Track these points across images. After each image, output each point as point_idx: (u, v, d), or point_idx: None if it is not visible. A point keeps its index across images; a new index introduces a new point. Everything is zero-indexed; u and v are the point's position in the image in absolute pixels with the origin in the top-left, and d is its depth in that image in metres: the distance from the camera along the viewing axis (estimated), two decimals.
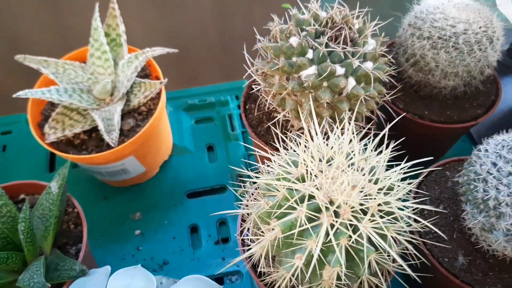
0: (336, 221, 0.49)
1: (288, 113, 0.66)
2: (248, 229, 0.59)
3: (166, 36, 1.30)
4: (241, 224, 0.62)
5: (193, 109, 0.99)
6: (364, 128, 0.68)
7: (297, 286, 0.53)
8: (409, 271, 0.51)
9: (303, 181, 0.52)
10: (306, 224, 0.49)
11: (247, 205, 0.59)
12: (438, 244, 0.62)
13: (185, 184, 0.88)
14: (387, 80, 0.67)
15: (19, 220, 0.57)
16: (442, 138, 0.80)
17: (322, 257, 0.50)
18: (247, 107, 0.77)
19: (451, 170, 0.69)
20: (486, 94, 0.78)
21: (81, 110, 0.75)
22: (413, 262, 0.54)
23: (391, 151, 0.54)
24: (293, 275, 0.51)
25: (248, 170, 0.56)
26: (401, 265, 0.53)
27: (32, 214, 0.62)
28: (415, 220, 0.60)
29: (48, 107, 0.80)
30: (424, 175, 0.69)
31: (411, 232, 0.55)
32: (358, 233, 0.48)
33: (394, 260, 0.55)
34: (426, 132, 0.76)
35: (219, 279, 0.77)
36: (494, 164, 0.54)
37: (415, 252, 0.54)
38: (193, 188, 0.88)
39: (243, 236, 0.60)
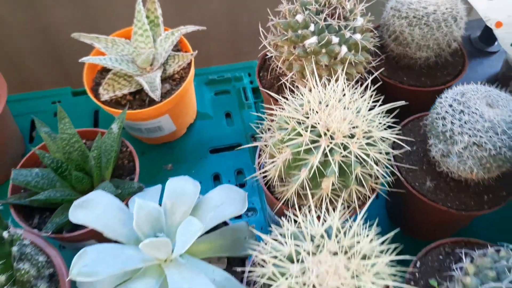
0: (331, 143, 0.67)
1: (295, 75, 0.84)
2: (265, 163, 0.77)
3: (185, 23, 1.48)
4: (259, 156, 0.80)
5: (212, 83, 1.17)
6: (353, 87, 0.86)
7: (302, 191, 0.70)
8: (382, 177, 0.68)
9: (307, 116, 0.70)
10: (309, 145, 0.67)
11: (265, 139, 0.76)
12: (410, 166, 0.80)
13: (207, 143, 1.06)
14: (373, 51, 0.85)
15: (92, 149, 0.76)
16: (419, 100, 0.97)
17: (322, 169, 0.67)
18: (261, 74, 0.95)
19: (424, 121, 0.87)
20: (454, 65, 0.96)
21: (127, 76, 0.93)
22: (389, 179, 0.72)
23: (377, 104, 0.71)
24: (299, 186, 0.69)
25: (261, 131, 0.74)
26: (383, 184, 0.71)
27: None
28: (393, 148, 0.78)
29: (98, 76, 0.98)
30: (402, 125, 0.87)
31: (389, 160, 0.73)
32: (347, 151, 0.66)
33: (376, 177, 0.73)
34: (406, 95, 0.94)
35: (237, 216, 0.94)
36: (450, 106, 0.72)
37: (392, 169, 0.72)
38: (215, 146, 1.06)
39: (261, 160, 0.78)
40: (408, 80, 0.94)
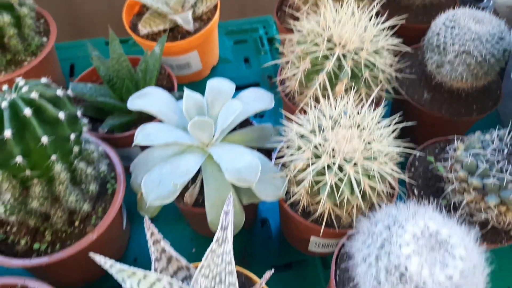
0: (344, 49, 0.80)
1: (309, 8, 0.98)
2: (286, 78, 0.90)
3: None
4: (280, 73, 0.93)
5: (232, 34, 1.30)
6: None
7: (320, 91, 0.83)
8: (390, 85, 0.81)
9: (323, 31, 0.83)
10: (326, 51, 0.80)
11: (286, 55, 0.89)
12: (409, 76, 0.92)
13: None
14: None
15: (139, 63, 0.89)
16: (416, 35, 1.10)
17: (336, 73, 0.80)
18: (278, 14, 1.09)
19: (422, 52, 1.01)
20: (447, 5, 1.10)
21: (162, 16, 1.07)
22: (392, 86, 0.85)
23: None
24: (318, 88, 0.82)
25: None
26: (388, 91, 0.85)
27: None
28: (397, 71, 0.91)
29: (134, 18, 1.11)
30: (403, 53, 1.00)
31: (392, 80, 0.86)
32: (357, 56, 0.79)
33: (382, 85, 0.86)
34: (405, 31, 1.07)
35: None
36: (444, 23, 0.86)
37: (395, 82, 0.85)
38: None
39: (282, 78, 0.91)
40: (407, 19, 1.07)
